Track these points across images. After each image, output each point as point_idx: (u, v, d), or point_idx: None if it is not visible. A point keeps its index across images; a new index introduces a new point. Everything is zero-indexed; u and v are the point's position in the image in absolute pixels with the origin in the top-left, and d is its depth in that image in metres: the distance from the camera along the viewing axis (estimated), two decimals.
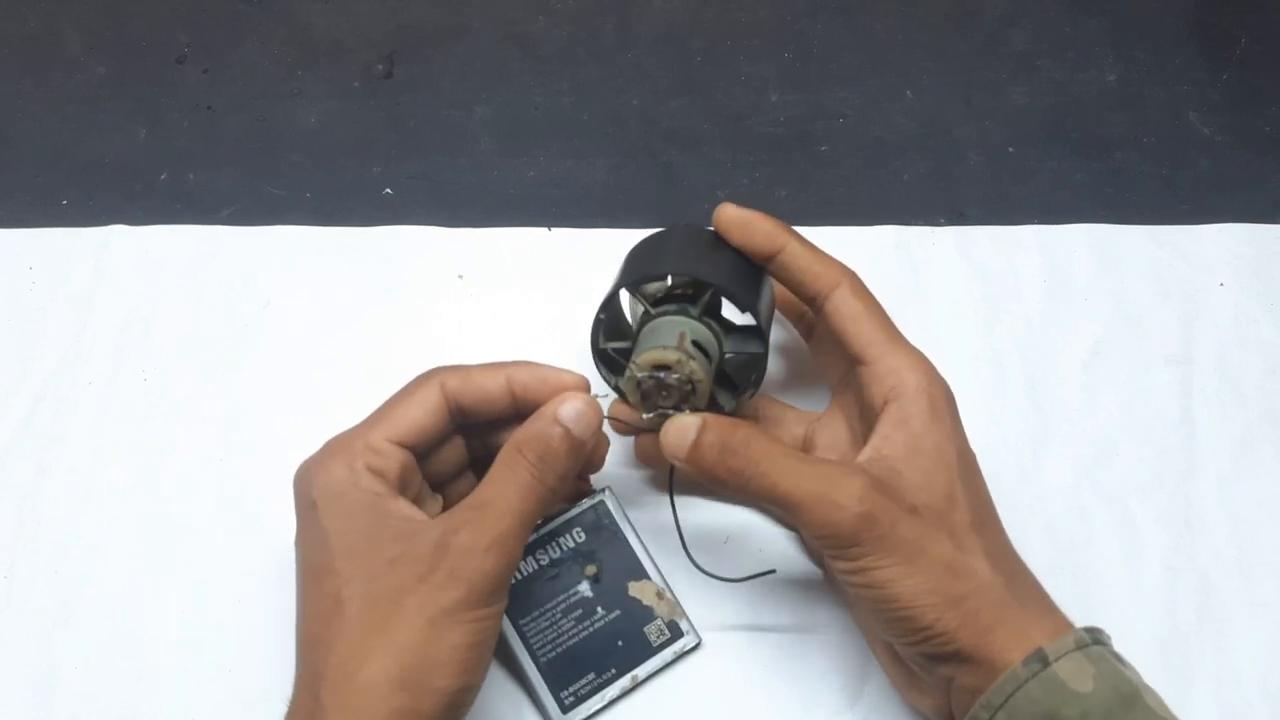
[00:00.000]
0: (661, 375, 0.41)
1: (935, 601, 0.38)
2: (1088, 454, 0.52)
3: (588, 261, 0.56)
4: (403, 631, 0.37)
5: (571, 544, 0.48)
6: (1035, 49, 0.66)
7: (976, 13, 0.68)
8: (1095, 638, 0.39)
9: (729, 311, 0.46)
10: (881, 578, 0.39)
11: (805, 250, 0.44)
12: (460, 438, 0.45)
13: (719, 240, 0.45)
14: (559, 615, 0.46)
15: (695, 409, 0.42)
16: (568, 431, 0.40)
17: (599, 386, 0.46)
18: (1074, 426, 0.53)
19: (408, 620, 0.37)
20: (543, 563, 0.47)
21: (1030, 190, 0.61)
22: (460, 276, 0.57)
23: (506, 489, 0.39)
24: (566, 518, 0.48)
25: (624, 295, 0.46)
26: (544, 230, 0.59)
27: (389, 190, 0.61)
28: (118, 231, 0.58)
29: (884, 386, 0.42)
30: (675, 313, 0.44)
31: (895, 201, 0.60)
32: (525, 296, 0.56)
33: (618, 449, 0.48)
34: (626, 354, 0.44)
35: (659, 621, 0.47)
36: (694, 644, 0.47)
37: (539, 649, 0.46)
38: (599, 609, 0.47)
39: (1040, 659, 0.37)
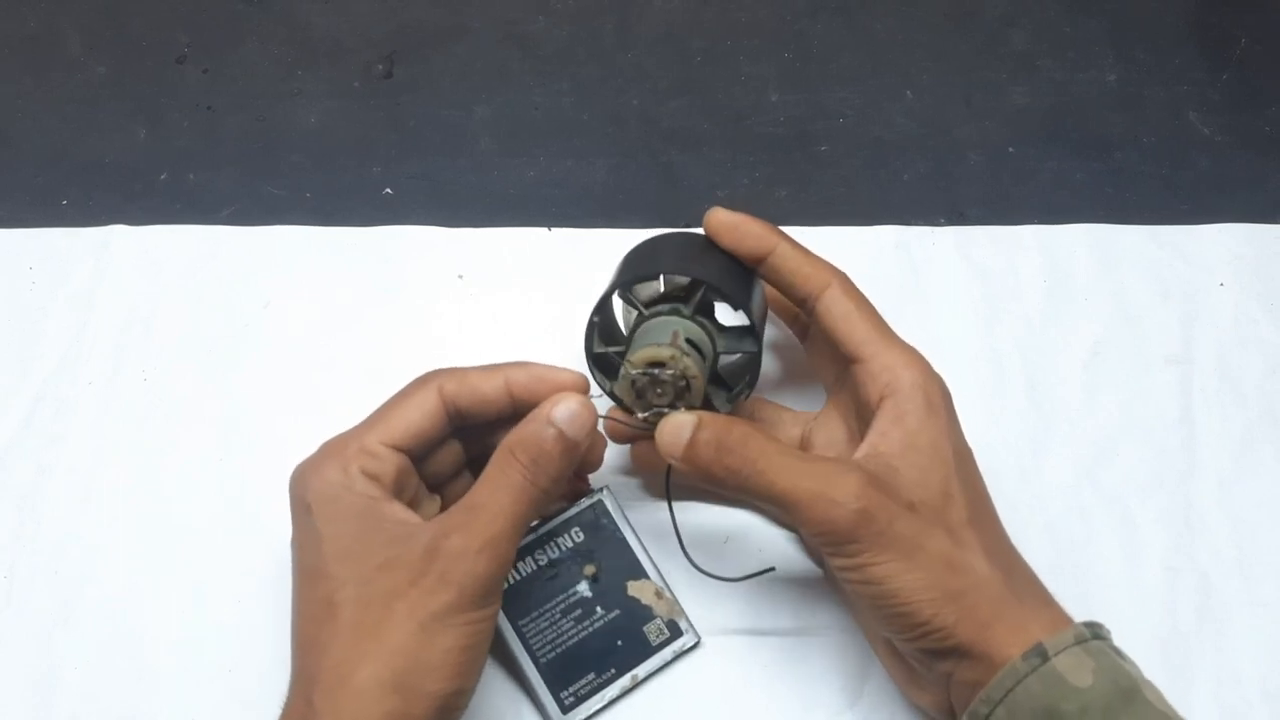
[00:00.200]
0: (656, 372, 0.42)
1: (933, 597, 0.39)
2: (1088, 454, 0.52)
3: (588, 261, 0.56)
4: (394, 635, 0.37)
5: (570, 544, 0.48)
6: (1035, 49, 0.66)
7: (976, 13, 0.68)
8: (1095, 632, 0.39)
9: (723, 315, 0.46)
10: (879, 574, 0.39)
11: (795, 252, 0.44)
12: (457, 439, 0.45)
13: (711, 245, 0.45)
14: (558, 615, 0.46)
15: (690, 407, 0.42)
16: (561, 433, 0.40)
17: (594, 390, 0.46)
18: (1074, 426, 0.53)
19: (399, 624, 0.37)
20: (541, 563, 0.47)
21: (1030, 190, 0.61)
22: (460, 276, 0.57)
23: (499, 491, 0.39)
24: (565, 518, 0.48)
25: (617, 302, 0.46)
26: (544, 230, 0.59)
27: (389, 190, 0.61)
28: (118, 231, 0.58)
29: (879, 383, 0.42)
30: (668, 313, 0.44)
31: (895, 201, 0.60)
32: (525, 296, 0.56)
33: (615, 448, 0.48)
34: (620, 358, 0.44)
35: (658, 621, 0.47)
36: (693, 643, 0.47)
37: (538, 649, 0.46)
38: (598, 609, 0.47)
39: (1039, 654, 0.37)
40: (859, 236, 0.58)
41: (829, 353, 0.46)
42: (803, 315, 0.46)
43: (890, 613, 0.39)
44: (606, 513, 0.48)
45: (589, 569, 0.47)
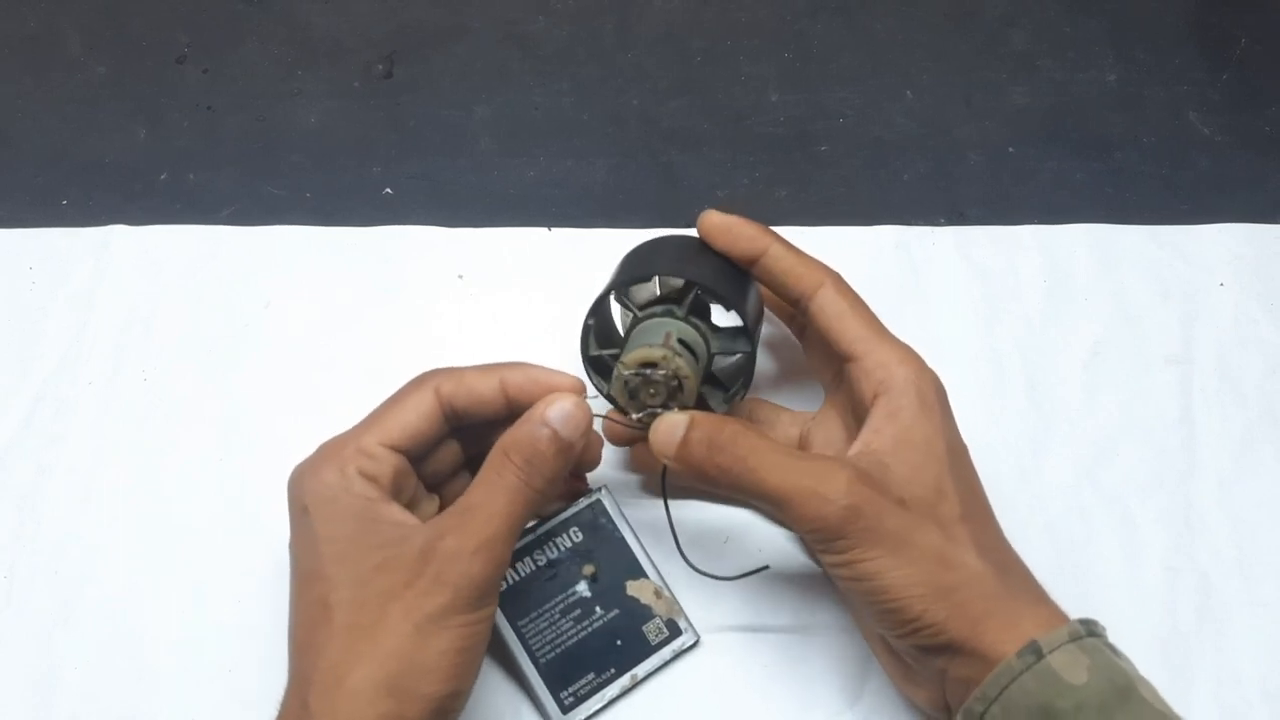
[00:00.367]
0: (648, 372, 0.42)
1: (923, 592, 0.39)
2: (1088, 454, 0.52)
3: (588, 261, 0.56)
4: (389, 637, 0.37)
5: (569, 544, 0.48)
6: (1035, 49, 0.66)
7: (976, 13, 0.68)
8: (1090, 629, 0.39)
9: (720, 317, 0.46)
10: (869, 569, 0.39)
11: (788, 253, 0.45)
12: (455, 439, 0.45)
13: (705, 247, 0.45)
14: (557, 615, 0.46)
15: (684, 407, 0.42)
16: (555, 433, 0.40)
17: (590, 392, 0.46)
18: (1074, 426, 0.53)
19: (394, 626, 0.37)
20: (540, 563, 0.47)
21: (1030, 190, 0.61)
22: (460, 276, 0.57)
23: (493, 493, 0.39)
24: (563, 518, 0.48)
25: (615, 305, 0.46)
26: (544, 230, 0.59)
27: (389, 190, 0.61)
28: (118, 231, 0.58)
29: (873, 381, 0.42)
30: (661, 315, 0.44)
31: (895, 201, 0.60)
32: (525, 296, 0.56)
33: (613, 448, 0.48)
34: (616, 360, 0.44)
35: (657, 620, 0.47)
36: (693, 642, 0.47)
37: (538, 649, 0.46)
38: (597, 608, 0.47)
39: (1034, 651, 0.37)
40: (859, 236, 0.58)
41: (825, 352, 0.46)
42: (799, 316, 0.46)
43: (881, 609, 0.40)
44: (605, 512, 0.48)
45: (588, 569, 0.47)
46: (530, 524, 0.47)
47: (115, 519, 0.50)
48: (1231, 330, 0.56)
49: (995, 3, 0.68)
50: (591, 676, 0.46)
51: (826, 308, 0.44)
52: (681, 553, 0.45)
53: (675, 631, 0.47)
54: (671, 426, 0.41)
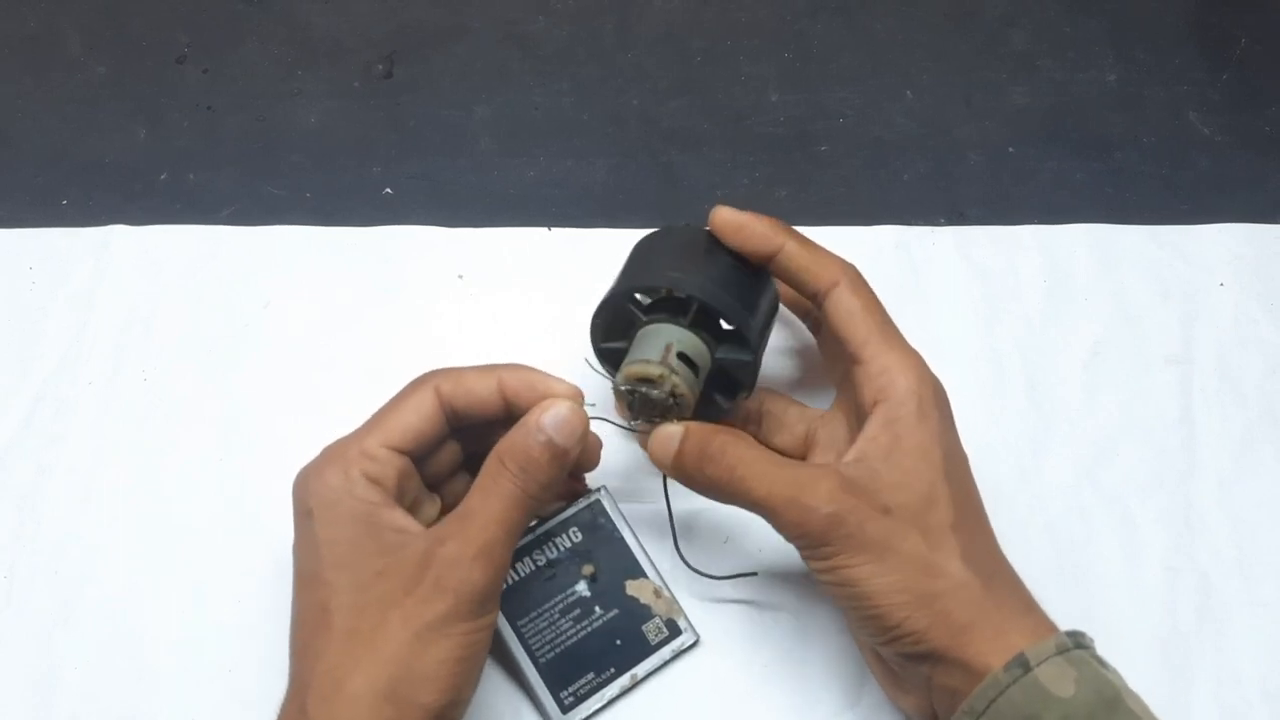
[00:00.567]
0: (644, 390, 0.42)
1: (904, 600, 0.39)
2: (1088, 454, 0.52)
3: (588, 261, 0.56)
4: (389, 644, 0.37)
5: (568, 544, 0.48)
6: (1035, 49, 0.66)
7: (976, 13, 0.68)
8: (1077, 641, 0.39)
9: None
10: (851, 576, 0.39)
11: (802, 249, 0.44)
12: (456, 439, 0.45)
13: (717, 242, 0.45)
14: (557, 615, 0.46)
15: (682, 418, 0.43)
16: (550, 440, 0.40)
17: (600, 386, 0.46)
18: (1074, 426, 0.53)
19: (394, 633, 0.37)
20: (539, 563, 0.47)
21: (1030, 190, 0.61)
22: (460, 276, 0.57)
23: (490, 499, 0.39)
24: (562, 518, 0.48)
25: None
26: (544, 230, 0.59)
27: (389, 190, 0.61)
28: (118, 231, 0.58)
29: (874, 386, 0.42)
30: (666, 320, 0.44)
31: (895, 201, 0.60)
32: (525, 296, 0.56)
33: (612, 447, 0.48)
34: (624, 354, 0.44)
35: (657, 620, 0.47)
36: (692, 641, 0.47)
37: (537, 650, 0.46)
38: (597, 608, 0.47)
39: (1021, 664, 0.37)
40: (859, 236, 0.58)
41: (836, 351, 0.46)
42: (815, 312, 0.46)
43: (863, 615, 0.40)
44: (604, 512, 0.48)
45: (587, 569, 0.47)
46: (530, 524, 0.47)
47: (115, 519, 0.50)
48: (1231, 330, 0.56)
49: (995, 3, 0.68)
50: (591, 676, 0.46)
51: (839, 307, 0.43)
52: (677, 549, 0.46)
53: (675, 631, 0.47)
54: (668, 437, 0.42)
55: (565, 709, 0.45)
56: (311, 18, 0.68)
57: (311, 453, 0.41)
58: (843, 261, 0.45)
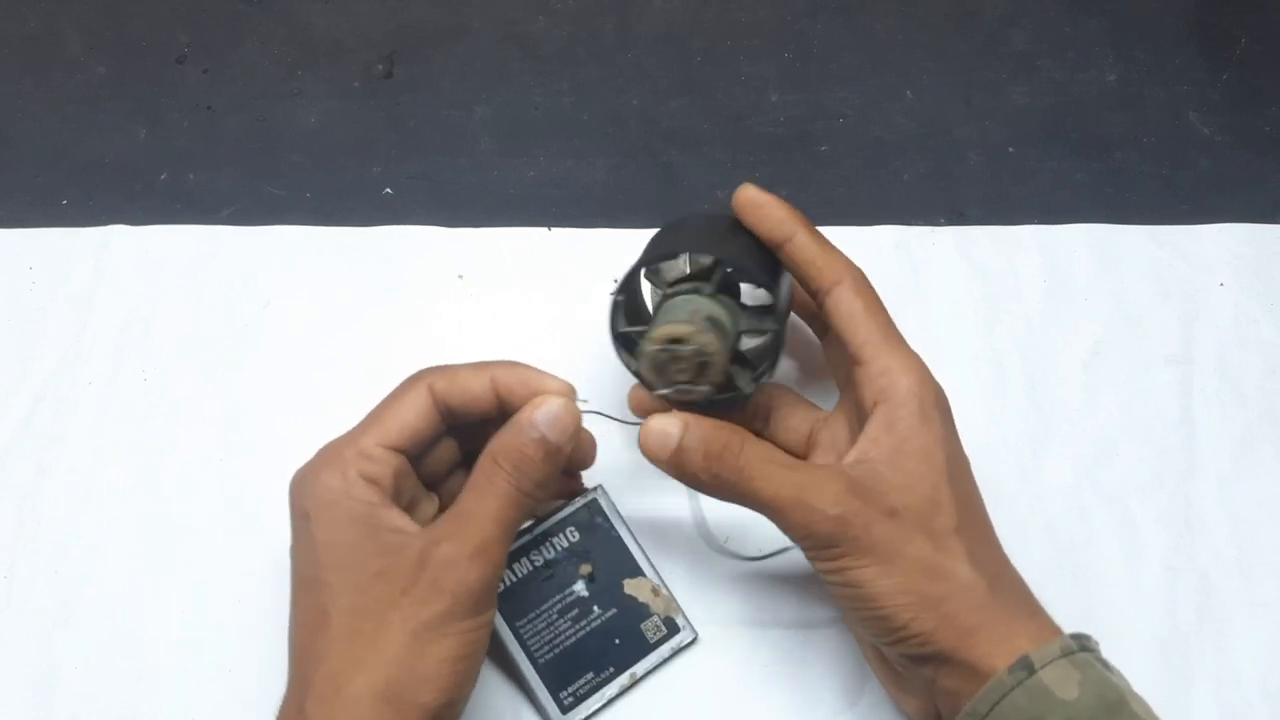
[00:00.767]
0: (675, 348, 0.41)
1: (910, 601, 0.39)
2: (1088, 454, 0.52)
3: (588, 261, 0.56)
4: (388, 645, 0.37)
5: (565, 544, 0.47)
6: (1035, 49, 0.66)
7: (976, 13, 0.68)
8: (1081, 644, 0.39)
9: (747, 297, 0.46)
10: (858, 577, 0.39)
11: (812, 242, 0.44)
12: (452, 436, 0.45)
13: (738, 224, 0.45)
14: (555, 616, 0.46)
15: (711, 384, 0.42)
16: (543, 438, 0.39)
17: (618, 371, 0.46)
18: (1074, 426, 0.53)
19: (392, 634, 0.37)
20: (537, 564, 0.47)
21: (1030, 190, 0.61)
22: (460, 276, 0.57)
23: (484, 498, 0.39)
24: (559, 518, 0.48)
25: (645, 283, 0.46)
26: (544, 230, 0.59)
27: (389, 190, 0.61)
28: (118, 231, 0.58)
29: (875, 388, 0.42)
30: (689, 292, 0.44)
31: (895, 201, 0.60)
32: (525, 296, 0.56)
33: (608, 445, 0.47)
34: (644, 336, 0.44)
35: (655, 618, 0.47)
36: (691, 639, 0.47)
37: (536, 650, 0.46)
38: (595, 608, 0.47)
39: (1026, 666, 0.37)
40: (859, 236, 0.58)
41: (838, 351, 0.46)
42: (820, 314, 0.46)
43: (868, 616, 0.40)
44: (601, 511, 0.48)
45: (585, 568, 0.47)
46: (526, 524, 0.47)
47: (115, 519, 0.50)
48: (1231, 330, 0.56)
49: (995, 3, 0.68)
50: (590, 676, 0.46)
51: (840, 306, 0.43)
52: (708, 534, 0.45)
53: (673, 629, 0.47)
54: (664, 433, 0.41)
55: (565, 709, 0.45)
56: (311, 18, 0.68)
57: (311, 453, 0.41)
58: (850, 263, 0.44)
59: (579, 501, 0.48)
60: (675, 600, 0.47)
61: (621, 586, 0.47)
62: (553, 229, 0.59)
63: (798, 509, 0.40)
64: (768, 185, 0.61)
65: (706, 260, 0.44)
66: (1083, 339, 0.55)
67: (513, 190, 0.61)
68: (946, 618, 0.39)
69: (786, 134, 0.63)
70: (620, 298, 0.45)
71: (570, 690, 0.45)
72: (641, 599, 0.47)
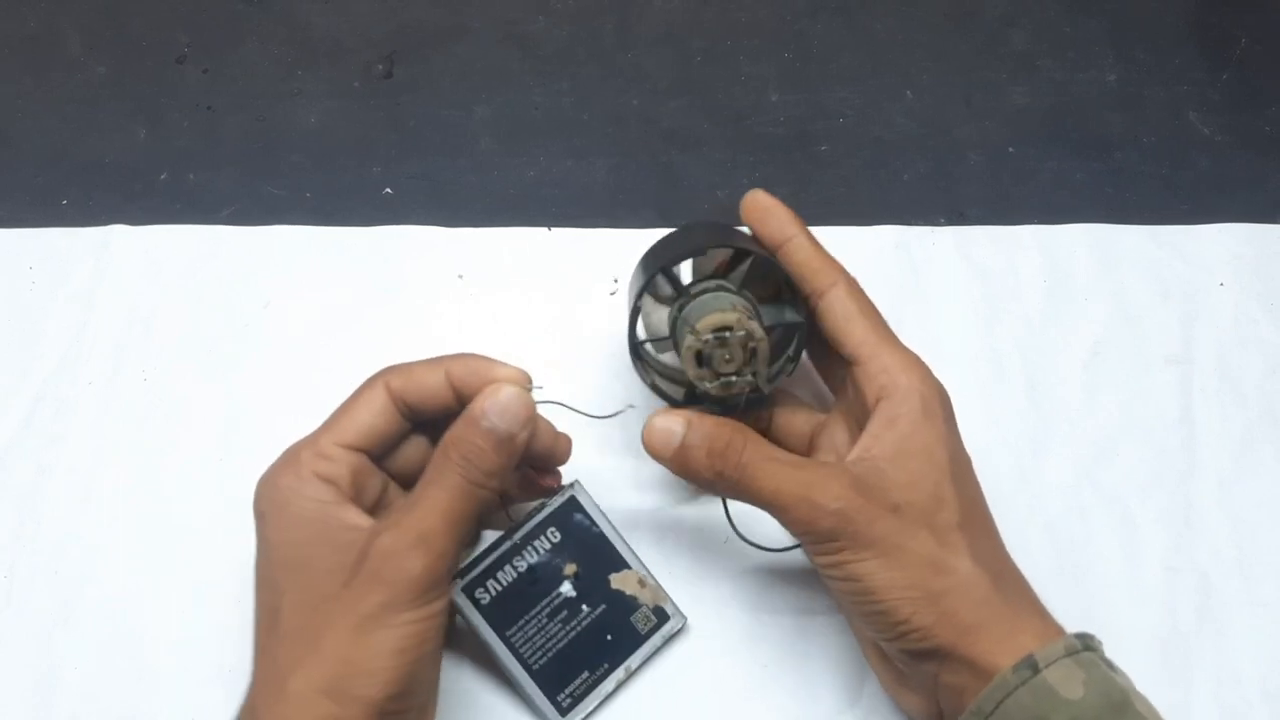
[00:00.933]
0: (725, 335, 0.41)
1: (912, 596, 0.39)
2: (1088, 454, 0.52)
3: (588, 261, 0.56)
4: (330, 641, 0.36)
5: (548, 545, 0.47)
6: (1035, 49, 0.66)
7: (976, 13, 0.68)
8: (1086, 644, 0.39)
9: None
10: (859, 571, 0.39)
11: (809, 246, 0.45)
12: (424, 435, 0.44)
13: (733, 231, 0.45)
14: (545, 620, 0.46)
15: (756, 373, 0.42)
16: (493, 428, 0.39)
17: (635, 384, 0.46)
18: (1074, 426, 0.53)
19: (335, 629, 0.37)
20: (521, 569, 0.46)
21: (1030, 190, 0.61)
22: (460, 276, 0.57)
23: (432, 489, 0.39)
24: (539, 519, 0.47)
25: (630, 302, 0.45)
26: (544, 230, 0.59)
27: (389, 190, 0.61)
28: (118, 231, 0.58)
29: (875, 386, 0.42)
30: (714, 289, 0.44)
31: (895, 201, 0.60)
32: (525, 296, 0.56)
33: (583, 440, 0.47)
34: (660, 349, 0.44)
35: (645, 609, 0.47)
36: (681, 625, 0.47)
37: (529, 657, 0.45)
38: (584, 607, 0.46)
39: (1030, 665, 0.37)
40: (859, 236, 0.58)
41: (831, 355, 0.46)
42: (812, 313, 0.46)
43: (869, 610, 0.40)
44: (580, 507, 0.48)
45: (570, 568, 0.47)
46: (506, 529, 0.46)
47: (115, 519, 0.50)
48: (1231, 330, 0.56)
49: (995, 3, 0.68)
50: (586, 675, 0.45)
51: (835, 308, 0.44)
52: (730, 521, 0.45)
53: (663, 617, 0.47)
54: (668, 431, 0.42)
55: (564, 711, 0.45)
56: (311, 18, 0.68)
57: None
58: (843, 268, 0.45)
59: (557, 500, 0.47)
60: (663, 588, 0.47)
61: (608, 582, 0.47)
62: (553, 229, 0.59)
63: (800, 505, 0.40)
64: (768, 185, 0.61)
65: (720, 261, 0.44)
66: (1083, 339, 0.55)
67: (513, 190, 0.61)
68: (947, 613, 0.39)
69: (786, 134, 0.63)
70: (639, 304, 0.44)
71: (567, 692, 0.45)
72: (629, 592, 0.47)
